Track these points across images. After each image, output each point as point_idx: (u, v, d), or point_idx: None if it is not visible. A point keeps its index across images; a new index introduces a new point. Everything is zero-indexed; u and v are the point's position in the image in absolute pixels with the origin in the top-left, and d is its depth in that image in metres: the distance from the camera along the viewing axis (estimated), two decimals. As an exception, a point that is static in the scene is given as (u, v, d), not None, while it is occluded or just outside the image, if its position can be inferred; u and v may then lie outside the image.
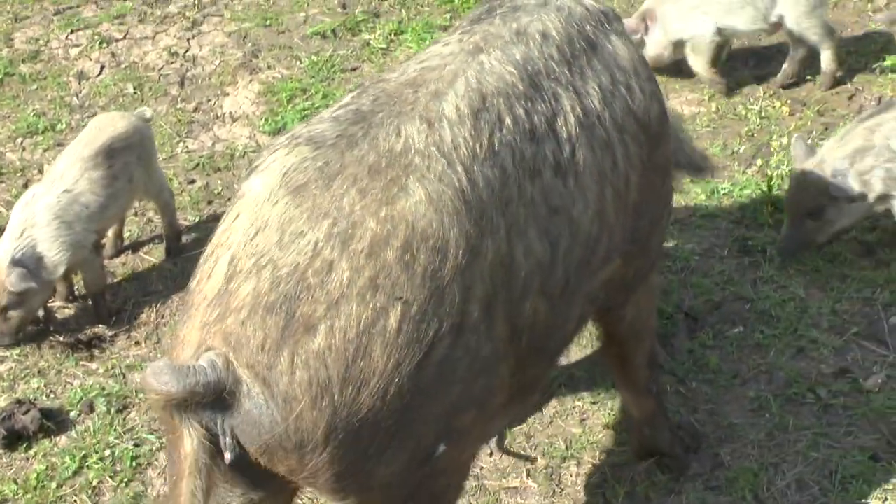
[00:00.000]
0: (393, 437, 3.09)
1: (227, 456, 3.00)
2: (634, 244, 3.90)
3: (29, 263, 5.20)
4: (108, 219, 5.58)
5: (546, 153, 3.40)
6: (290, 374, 2.95)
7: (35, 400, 5.15)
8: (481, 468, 4.86)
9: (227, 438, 3.00)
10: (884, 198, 5.44)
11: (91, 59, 7.43)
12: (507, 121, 3.34)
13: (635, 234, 3.88)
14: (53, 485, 4.81)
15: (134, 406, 5.14)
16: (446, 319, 3.09)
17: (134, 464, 4.90)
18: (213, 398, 2.94)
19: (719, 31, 6.83)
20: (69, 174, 5.38)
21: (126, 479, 4.82)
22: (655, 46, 6.90)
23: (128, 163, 5.53)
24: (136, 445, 4.97)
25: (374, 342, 2.98)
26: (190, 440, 3.00)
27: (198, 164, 6.58)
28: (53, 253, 5.26)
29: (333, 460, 3.05)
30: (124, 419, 5.07)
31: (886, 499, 4.59)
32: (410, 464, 3.21)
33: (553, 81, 3.54)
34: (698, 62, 6.92)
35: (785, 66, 6.93)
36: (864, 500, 4.60)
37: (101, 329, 5.52)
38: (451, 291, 3.10)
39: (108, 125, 5.58)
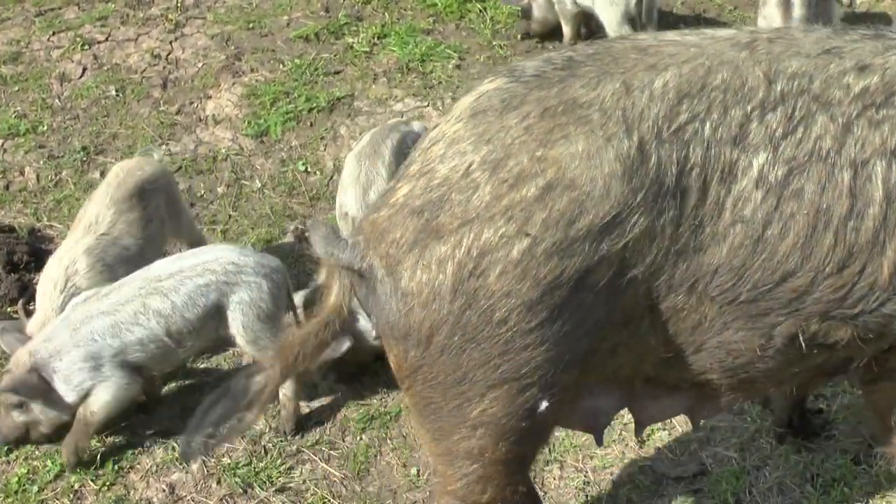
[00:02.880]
0: (495, 370, 3.27)
1: (374, 333, 3.50)
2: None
3: None
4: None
5: (751, 162, 3.23)
6: (412, 272, 3.21)
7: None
8: None
9: (372, 317, 3.39)
10: None
11: (73, 62, 7.41)
12: (714, 116, 3.23)
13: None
14: (35, 488, 4.79)
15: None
16: (567, 270, 3.16)
17: (116, 467, 4.88)
18: (347, 272, 3.35)
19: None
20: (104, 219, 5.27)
21: (108, 483, 4.80)
22: (539, 9, 7.24)
23: (159, 205, 5.44)
24: (119, 449, 4.95)
25: (493, 266, 3.15)
26: (337, 289, 3.43)
27: (180, 167, 6.57)
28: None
29: (434, 365, 3.29)
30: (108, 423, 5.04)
31: (867, 502, 4.61)
32: (510, 409, 3.35)
33: (820, 104, 3.26)
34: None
35: None
36: (845, 503, 4.61)
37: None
38: (580, 245, 3.16)
39: (135, 168, 5.49)
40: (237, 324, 4.89)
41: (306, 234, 5.86)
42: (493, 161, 3.16)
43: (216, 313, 4.87)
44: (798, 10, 6.64)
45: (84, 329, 4.73)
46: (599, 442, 3.92)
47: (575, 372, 3.36)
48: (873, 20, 7.63)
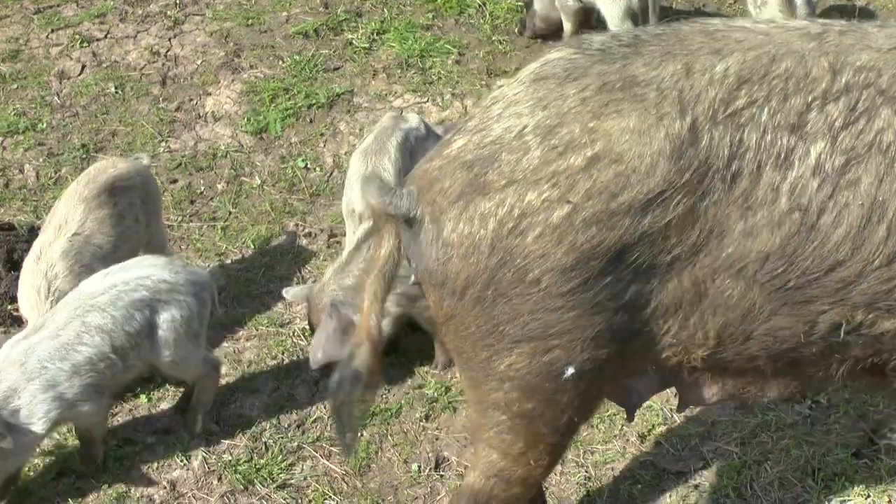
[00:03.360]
0: (523, 328, 3.36)
1: (412, 279, 3.54)
2: None
3: None
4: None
5: (808, 150, 3.25)
6: (454, 223, 3.32)
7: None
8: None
9: (413, 262, 3.49)
10: None
11: (72, 59, 7.40)
12: (773, 103, 3.26)
13: None
14: (36, 486, 4.79)
15: (118, 406, 5.12)
16: (606, 242, 3.22)
17: (118, 465, 4.88)
18: (402, 220, 3.43)
19: None
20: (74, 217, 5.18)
21: (109, 481, 4.80)
22: (541, 4, 7.25)
23: (132, 202, 5.35)
24: (120, 446, 4.95)
25: (531, 227, 3.24)
26: (388, 242, 3.52)
27: (180, 164, 6.57)
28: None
29: (466, 315, 3.40)
30: (109, 419, 5.04)
31: (868, 496, 4.61)
32: (535, 368, 3.42)
33: (886, 98, 3.26)
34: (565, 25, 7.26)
35: None
36: (846, 498, 4.61)
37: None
38: (620, 219, 3.21)
39: (107, 167, 5.42)
40: (166, 343, 4.79)
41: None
42: (547, 127, 3.26)
43: (149, 331, 4.76)
44: (802, 9, 6.66)
45: (31, 361, 4.58)
46: (630, 418, 3.96)
47: (611, 349, 3.40)
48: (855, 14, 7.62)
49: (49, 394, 4.58)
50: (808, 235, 3.27)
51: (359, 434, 4.03)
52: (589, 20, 7.42)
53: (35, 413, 4.57)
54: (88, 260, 5.10)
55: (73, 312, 4.68)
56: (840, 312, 3.38)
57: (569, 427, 3.66)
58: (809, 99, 3.26)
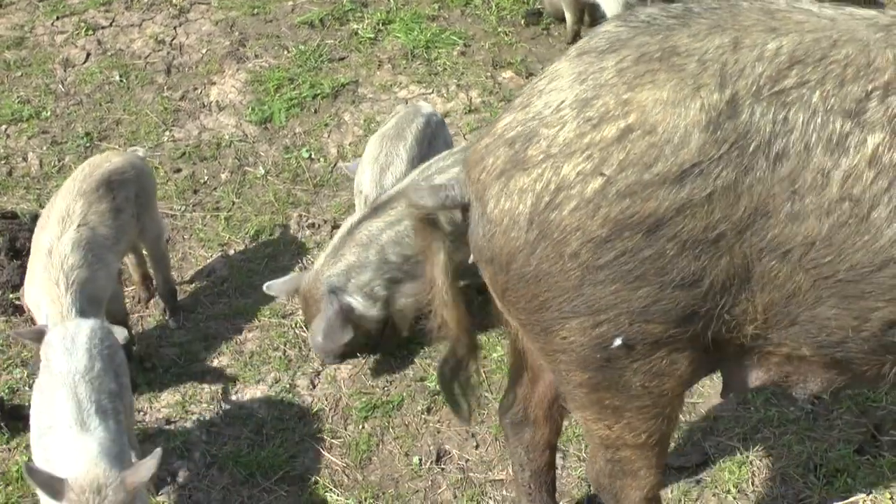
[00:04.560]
0: (570, 302, 3.37)
1: (471, 258, 3.55)
2: None
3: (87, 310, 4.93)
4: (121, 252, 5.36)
5: (865, 139, 3.17)
6: (497, 200, 3.35)
7: (8, 397, 5.14)
8: (467, 460, 4.86)
9: (470, 242, 3.51)
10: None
11: (77, 47, 7.38)
12: (828, 87, 3.20)
13: None
14: (37, 475, 4.78)
15: (118, 396, 5.12)
16: (641, 213, 3.21)
17: (118, 455, 4.88)
18: (459, 209, 3.52)
19: None
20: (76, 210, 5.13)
21: (110, 470, 4.79)
22: None
23: (128, 196, 5.30)
24: (120, 436, 4.95)
25: (567, 200, 3.24)
26: (440, 249, 3.64)
27: (184, 153, 6.55)
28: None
29: (516, 290, 3.44)
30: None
31: (871, 492, 4.59)
32: (586, 341, 3.43)
33: None
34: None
35: None
36: (848, 494, 4.60)
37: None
38: (655, 191, 3.19)
39: (102, 161, 5.38)
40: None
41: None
42: (583, 100, 3.25)
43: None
44: None
45: None
46: (723, 395, 3.89)
47: (665, 325, 3.37)
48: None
49: None
50: (858, 227, 3.20)
51: (473, 405, 4.20)
52: (594, 14, 7.40)
53: None
54: (98, 249, 5.08)
55: None
56: (895, 311, 3.32)
57: (650, 396, 3.59)
58: (869, 88, 3.19)
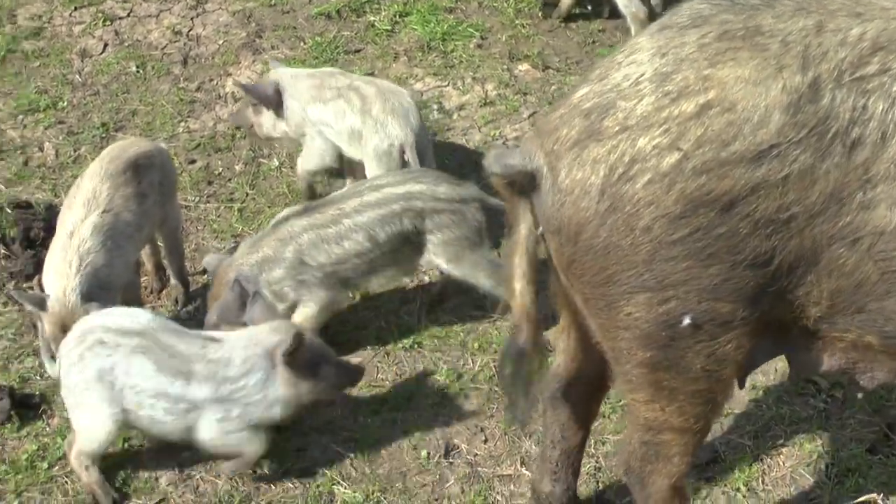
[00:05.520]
0: (639, 277, 3.34)
1: (539, 229, 3.51)
2: None
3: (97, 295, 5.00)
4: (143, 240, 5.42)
5: None
6: (569, 169, 3.32)
7: (20, 386, 5.15)
8: (475, 455, 4.84)
9: (538, 213, 3.48)
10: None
11: (94, 37, 7.38)
12: None
13: None
14: (45, 465, 4.80)
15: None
16: (716, 191, 3.19)
17: (126, 445, 4.88)
18: (527, 179, 3.43)
19: None
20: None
21: (115, 462, 4.80)
22: None
23: (153, 182, 5.32)
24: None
25: (641, 174, 3.22)
26: (524, 219, 3.53)
27: (199, 145, 6.55)
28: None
29: (582, 262, 3.41)
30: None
31: (883, 492, 4.55)
32: (652, 318, 3.40)
33: None
34: None
35: None
36: (859, 494, 4.56)
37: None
38: (732, 169, 3.17)
39: (129, 145, 5.42)
40: None
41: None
42: (663, 74, 3.24)
43: None
44: None
45: None
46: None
47: (732, 304, 3.35)
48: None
49: None
50: None
51: (532, 405, 4.02)
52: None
53: None
54: (118, 237, 5.10)
55: None
56: None
57: (707, 380, 3.57)
58: None
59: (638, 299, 3.38)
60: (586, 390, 4.19)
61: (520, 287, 3.64)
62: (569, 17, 7.48)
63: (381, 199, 5.19)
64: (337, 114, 5.83)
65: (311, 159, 6.00)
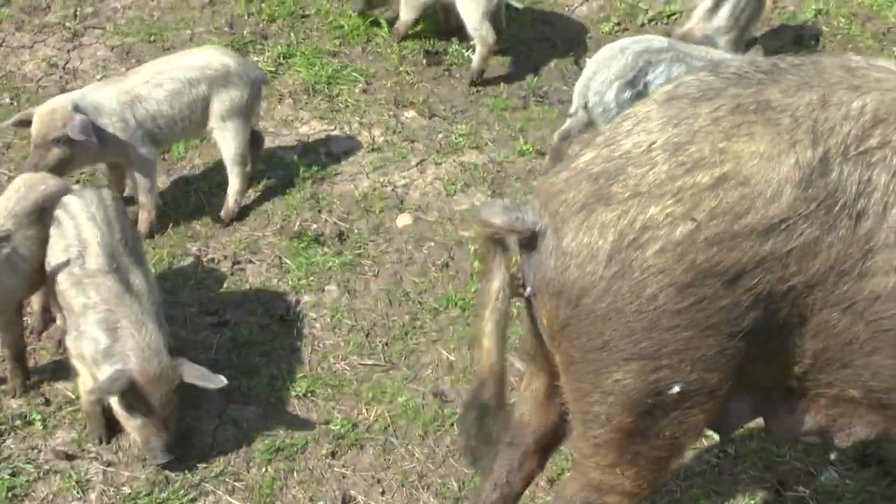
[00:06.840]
0: (636, 345, 3.33)
1: (528, 290, 3.51)
2: None
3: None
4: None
5: None
6: (574, 233, 3.33)
7: None
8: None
9: (530, 274, 3.47)
10: None
11: (-36, 67, 7.14)
12: None
13: None
14: (-77, 515, 4.58)
15: (10, 433, 4.92)
16: (725, 262, 3.22)
17: (10, 494, 4.69)
18: (527, 235, 3.43)
19: None
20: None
21: (2, 512, 4.61)
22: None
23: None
24: (13, 475, 4.76)
25: (652, 241, 3.24)
26: (499, 274, 3.52)
27: (78, 181, 6.36)
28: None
29: (579, 326, 3.39)
30: None
31: None
32: (640, 385, 3.40)
33: None
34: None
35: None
36: None
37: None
38: (743, 242, 3.21)
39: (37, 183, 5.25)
40: None
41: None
42: (676, 144, 3.28)
43: None
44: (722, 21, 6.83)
45: None
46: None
47: (721, 373, 3.39)
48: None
49: None
50: None
51: (491, 460, 4.09)
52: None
53: None
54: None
55: None
56: None
57: (669, 447, 3.61)
58: None
59: (630, 366, 3.38)
60: (541, 443, 4.18)
61: (488, 345, 3.64)
62: (406, 38, 7.64)
63: None
64: None
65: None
